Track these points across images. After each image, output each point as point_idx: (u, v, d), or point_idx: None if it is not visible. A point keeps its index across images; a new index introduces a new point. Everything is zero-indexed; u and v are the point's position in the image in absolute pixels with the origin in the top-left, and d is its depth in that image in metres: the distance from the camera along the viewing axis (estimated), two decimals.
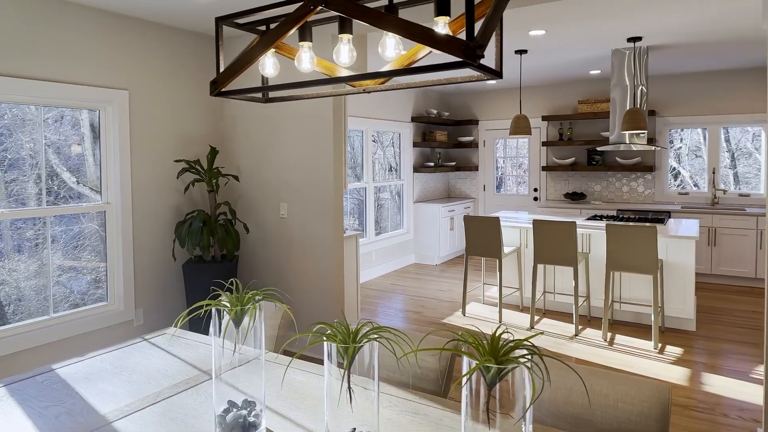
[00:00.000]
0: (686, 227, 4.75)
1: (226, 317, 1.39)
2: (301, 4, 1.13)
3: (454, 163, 8.08)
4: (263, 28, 1.61)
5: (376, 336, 1.19)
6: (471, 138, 8.03)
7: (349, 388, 1.18)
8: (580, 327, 4.71)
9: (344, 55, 1.25)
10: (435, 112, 7.52)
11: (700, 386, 3.53)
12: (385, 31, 1.14)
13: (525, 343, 1.07)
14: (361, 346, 1.20)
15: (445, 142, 7.80)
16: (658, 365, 3.88)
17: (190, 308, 1.31)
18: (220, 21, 1.40)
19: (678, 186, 6.89)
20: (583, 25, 4.11)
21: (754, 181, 6.49)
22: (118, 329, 3.66)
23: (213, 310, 1.38)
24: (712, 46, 4.84)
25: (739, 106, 6.31)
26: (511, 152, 8.05)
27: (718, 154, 6.50)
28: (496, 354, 1.04)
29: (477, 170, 8.21)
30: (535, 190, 7.79)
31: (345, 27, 1.24)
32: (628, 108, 4.88)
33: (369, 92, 1.34)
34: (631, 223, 4.24)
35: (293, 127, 4.00)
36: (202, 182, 3.95)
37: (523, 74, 6.42)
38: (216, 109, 4.33)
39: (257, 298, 1.40)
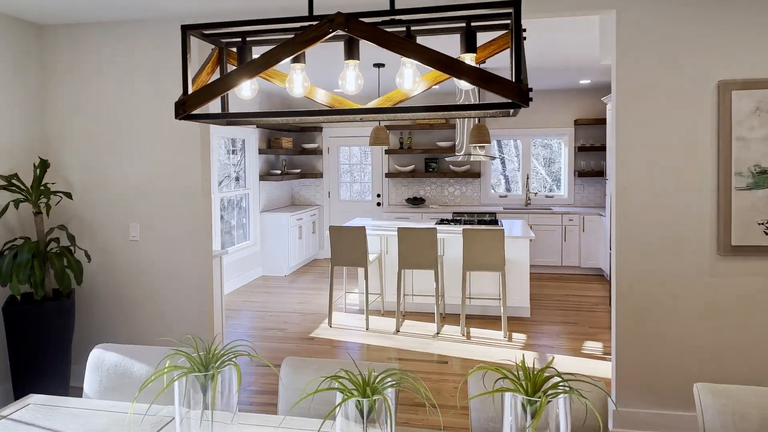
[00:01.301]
0: (520, 228, 5.46)
1: (189, 380, 1.14)
2: (316, 24, 0.99)
3: (299, 171, 7.97)
4: (231, 40, 1.37)
5: (393, 383, 1.11)
6: (315, 145, 8.01)
7: None
8: (435, 323, 5.05)
9: (351, 82, 1.14)
10: None
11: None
12: (405, 62, 1.06)
13: (550, 369, 1.10)
14: (373, 399, 1.10)
15: (290, 148, 7.64)
16: (511, 352, 4.37)
17: (152, 379, 1.05)
18: (188, 30, 1.15)
19: (495, 190, 7.87)
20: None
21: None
22: None
23: (183, 379, 1.12)
24: (540, 71, 5.65)
25: (548, 121, 7.49)
26: (355, 159, 8.25)
27: (529, 161, 7.62)
28: (537, 387, 1.05)
29: (321, 177, 8.22)
30: (378, 195, 8.12)
31: (353, 52, 1.12)
32: (470, 122, 5.41)
33: (365, 120, 1.24)
34: (482, 227, 4.71)
35: (147, 134, 3.48)
36: (25, 203, 3.18)
37: (374, 86, 6.64)
38: (38, 111, 3.54)
39: (226, 357, 1.19)
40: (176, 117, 1.14)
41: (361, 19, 0.97)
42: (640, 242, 2.95)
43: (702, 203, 2.85)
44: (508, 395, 1.10)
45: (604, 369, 3.99)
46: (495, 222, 5.79)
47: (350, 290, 6.14)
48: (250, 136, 6.98)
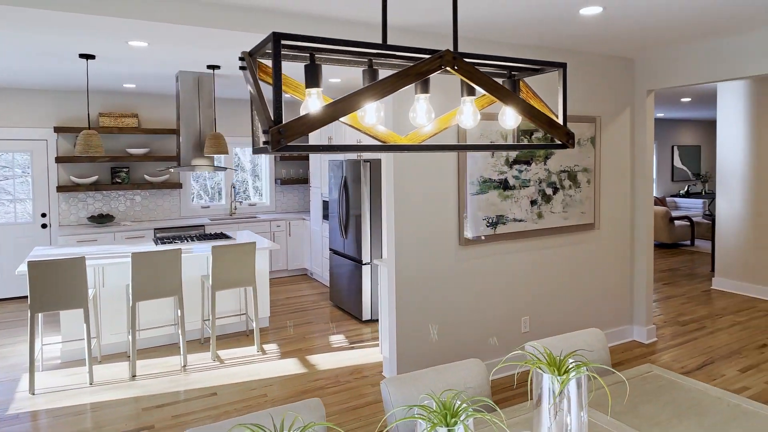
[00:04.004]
0: (255, 238, 5.39)
1: None
2: (429, 58, 0.93)
3: None
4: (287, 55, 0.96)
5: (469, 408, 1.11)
6: None
7: None
8: (180, 356, 4.51)
9: (422, 115, 1.08)
10: None
11: (313, 367, 4.27)
12: (466, 101, 1.09)
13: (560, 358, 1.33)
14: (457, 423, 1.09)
15: None
16: (274, 365, 4.33)
17: None
18: (281, 38, 0.82)
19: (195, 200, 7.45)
20: (178, 44, 3.89)
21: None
22: None
23: None
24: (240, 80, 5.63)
25: (249, 131, 7.52)
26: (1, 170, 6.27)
27: (232, 173, 7.50)
28: (562, 368, 1.27)
29: None
30: (44, 215, 6.45)
31: (426, 85, 1.07)
32: (197, 130, 4.96)
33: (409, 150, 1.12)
34: (228, 242, 4.45)
35: None
36: None
37: (36, 76, 5.20)
38: None
39: None
40: (273, 149, 0.83)
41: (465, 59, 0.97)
42: (411, 240, 3.48)
43: (449, 207, 3.59)
44: (546, 377, 1.29)
45: (360, 355, 4.45)
46: (225, 236, 5.52)
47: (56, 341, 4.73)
48: None
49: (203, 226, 6.73)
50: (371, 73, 1.07)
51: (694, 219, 9.55)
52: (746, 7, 3.01)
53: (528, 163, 3.77)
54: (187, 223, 6.71)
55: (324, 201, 6.63)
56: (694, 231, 9.15)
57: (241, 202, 7.53)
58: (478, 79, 1.01)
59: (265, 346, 4.73)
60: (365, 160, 5.07)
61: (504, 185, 3.70)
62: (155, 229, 6.41)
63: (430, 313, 3.58)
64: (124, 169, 6.66)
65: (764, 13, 3.14)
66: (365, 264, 5.21)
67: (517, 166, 3.73)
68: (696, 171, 11.84)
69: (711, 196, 11.15)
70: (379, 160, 5.11)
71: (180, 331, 4.30)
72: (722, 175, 6.39)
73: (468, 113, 1.20)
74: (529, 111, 1.16)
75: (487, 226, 3.68)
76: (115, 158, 6.40)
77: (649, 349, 4.48)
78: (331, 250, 5.93)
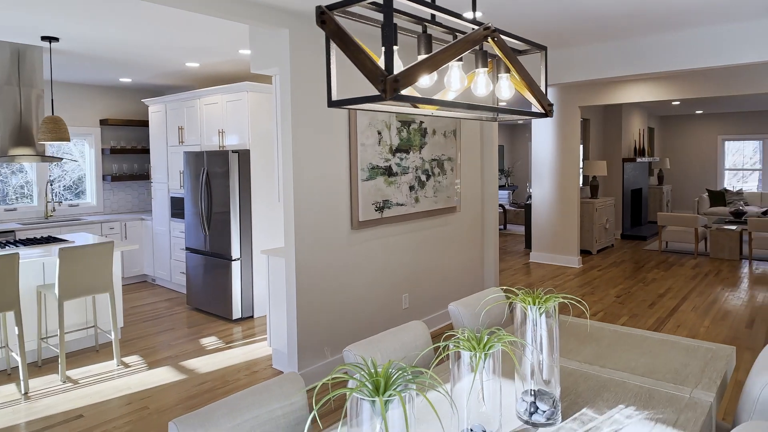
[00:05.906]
0: (86, 238, 4.71)
1: None
2: (478, 29, 1.10)
3: None
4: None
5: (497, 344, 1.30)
6: None
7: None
8: (18, 382, 3.76)
9: (456, 80, 1.28)
10: None
11: (193, 372, 3.96)
12: (479, 72, 1.28)
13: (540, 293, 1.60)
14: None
15: None
16: (144, 376, 3.89)
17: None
18: None
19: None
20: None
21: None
22: None
23: None
24: (74, 57, 4.83)
25: (69, 119, 6.44)
26: None
27: (46, 167, 6.36)
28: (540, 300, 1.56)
29: None
30: None
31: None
32: (17, 113, 4.10)
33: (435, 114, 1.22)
34: (76, 245, 3.82)
35: None
36: None
37: None
38: None
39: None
40: (388, 96, 0.85)
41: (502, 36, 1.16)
42: (309, 228, 3.49)
43: (342, 193, 3.69)
44: (529, 308, 1.56)
45: (241, 353, 4.26)
46: (53, 239, 4.68)
47: None
48: None
49: (13, 231, 5.60)
50: (426, 37, 1.17)
51: (506, 207, 11.22)
52: (574, 26, 3.78)
53: (407, 151, 4.09)
54: None
55: (173, 198, 6.08)
56: (506, 217, 10.77)
57: (60, 202, 6.43)
58: (506, 51, 1.20)
59: (126, 359, 4.21)
60: (233, 151, 4.83)
61: (389, 172, 3.95)
62: None
63: (328, 297, 3.64)
64: None
65: (588, 31, 3.96)
66: (234, 260, 4.98)
67: (399, 154, 4.02)
68: (500, 167, 13.89)
69: (513, 188, 13.21)
70: (248, 151, 4.93)
71: (19, 353, 3.58)
72: (536, 168, 7.70)
73: (482, 83, 1.38)
74: (530, 83, 1.39)
75: (375, 211, 3.88)
76: None
77: None
78: (188, 249, 5.49)
